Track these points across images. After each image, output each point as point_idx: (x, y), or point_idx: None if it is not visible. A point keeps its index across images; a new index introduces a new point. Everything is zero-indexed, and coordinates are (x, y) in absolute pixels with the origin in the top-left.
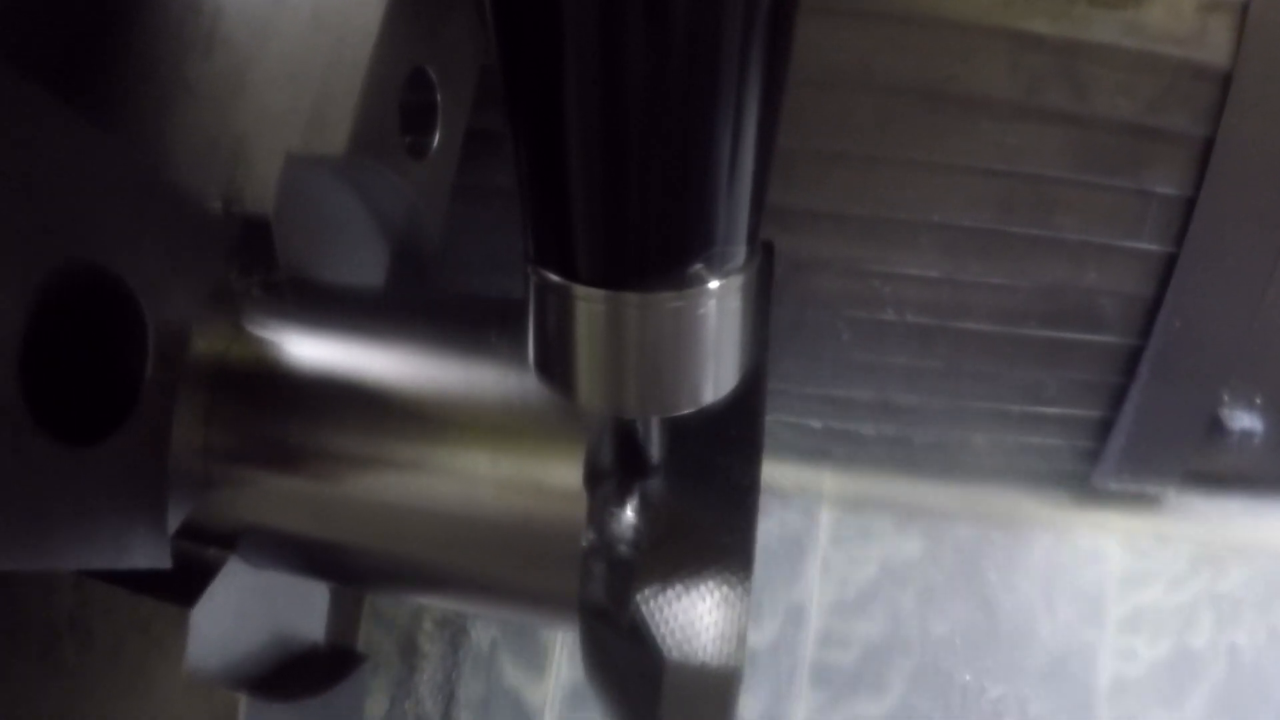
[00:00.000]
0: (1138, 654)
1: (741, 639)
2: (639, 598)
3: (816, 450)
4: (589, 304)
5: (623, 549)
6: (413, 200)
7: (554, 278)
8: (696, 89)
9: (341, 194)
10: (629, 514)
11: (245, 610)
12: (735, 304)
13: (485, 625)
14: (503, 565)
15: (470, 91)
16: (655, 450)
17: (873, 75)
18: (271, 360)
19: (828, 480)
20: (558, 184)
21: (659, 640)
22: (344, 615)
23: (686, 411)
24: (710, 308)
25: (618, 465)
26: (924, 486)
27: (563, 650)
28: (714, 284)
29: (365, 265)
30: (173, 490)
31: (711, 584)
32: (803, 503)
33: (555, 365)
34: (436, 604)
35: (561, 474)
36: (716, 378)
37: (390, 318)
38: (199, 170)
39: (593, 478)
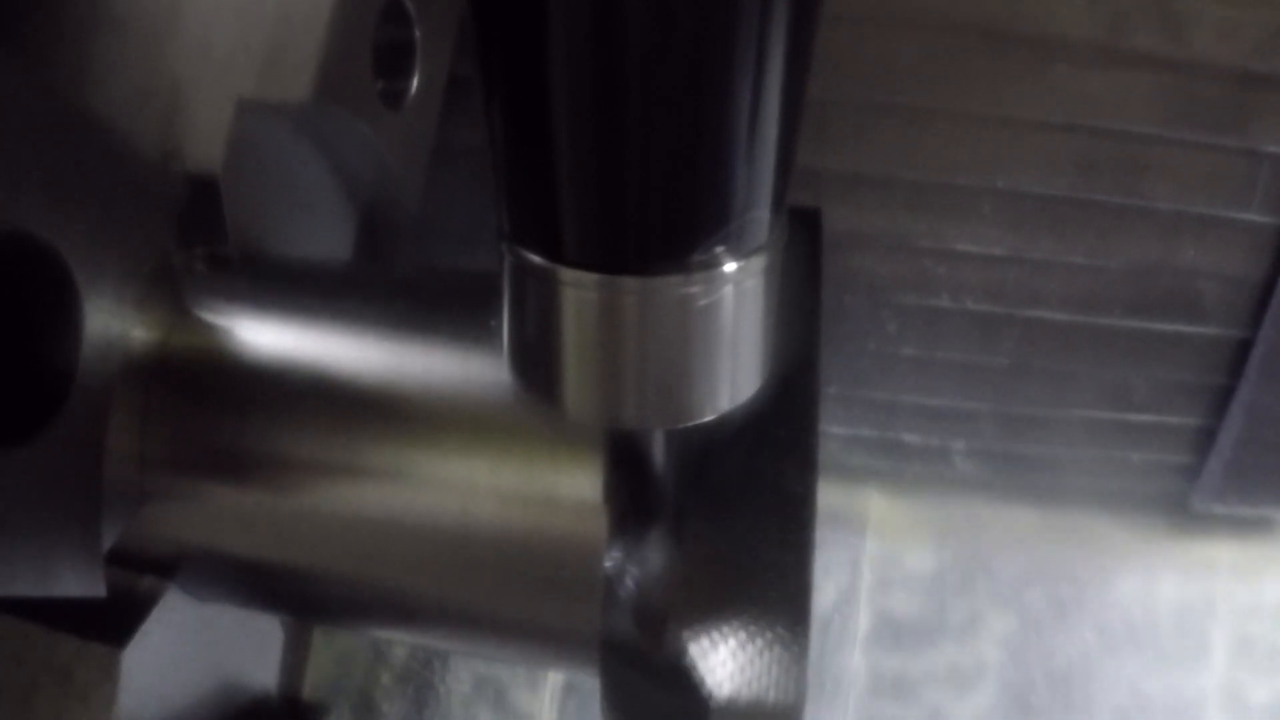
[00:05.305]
0: (1250, 711)
1: (802, 671)
2: (677, 630)
3: (859, 466)
4: (578, 291)
5: (655, 571)
6: (386, 157)
7: (535, 259)
8: (710, 24)
9: (302, 149)
10: (662, 530)
11: (185, 652)
12: (757, 289)
13: (457, 679)
14: (505, 594)
15: (454, 29)
16: (660, 470)
17: (923, 10)
18: (219, 349)
19: (873, 501)
20: (539, 142)
21: (703, 679)
22: (297, 660)
23: (695, 423)
24: (726, 295)
25: (614, 490)
26: (988, 510)
27: (553, 703)
28: (730, 266)
29: (329, 235)
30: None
31: (763, 610)
32: (843, 528)
33: (535, 367)
34: (421, 642)
35: (578, 484)
36: (734, 381)
37: (362, 297)
38: (129, 122)
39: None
